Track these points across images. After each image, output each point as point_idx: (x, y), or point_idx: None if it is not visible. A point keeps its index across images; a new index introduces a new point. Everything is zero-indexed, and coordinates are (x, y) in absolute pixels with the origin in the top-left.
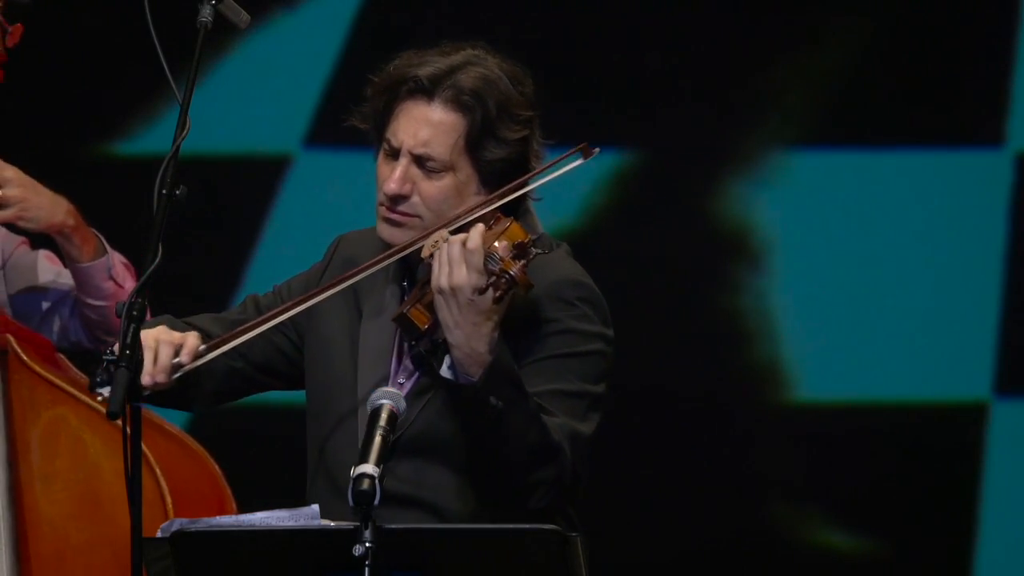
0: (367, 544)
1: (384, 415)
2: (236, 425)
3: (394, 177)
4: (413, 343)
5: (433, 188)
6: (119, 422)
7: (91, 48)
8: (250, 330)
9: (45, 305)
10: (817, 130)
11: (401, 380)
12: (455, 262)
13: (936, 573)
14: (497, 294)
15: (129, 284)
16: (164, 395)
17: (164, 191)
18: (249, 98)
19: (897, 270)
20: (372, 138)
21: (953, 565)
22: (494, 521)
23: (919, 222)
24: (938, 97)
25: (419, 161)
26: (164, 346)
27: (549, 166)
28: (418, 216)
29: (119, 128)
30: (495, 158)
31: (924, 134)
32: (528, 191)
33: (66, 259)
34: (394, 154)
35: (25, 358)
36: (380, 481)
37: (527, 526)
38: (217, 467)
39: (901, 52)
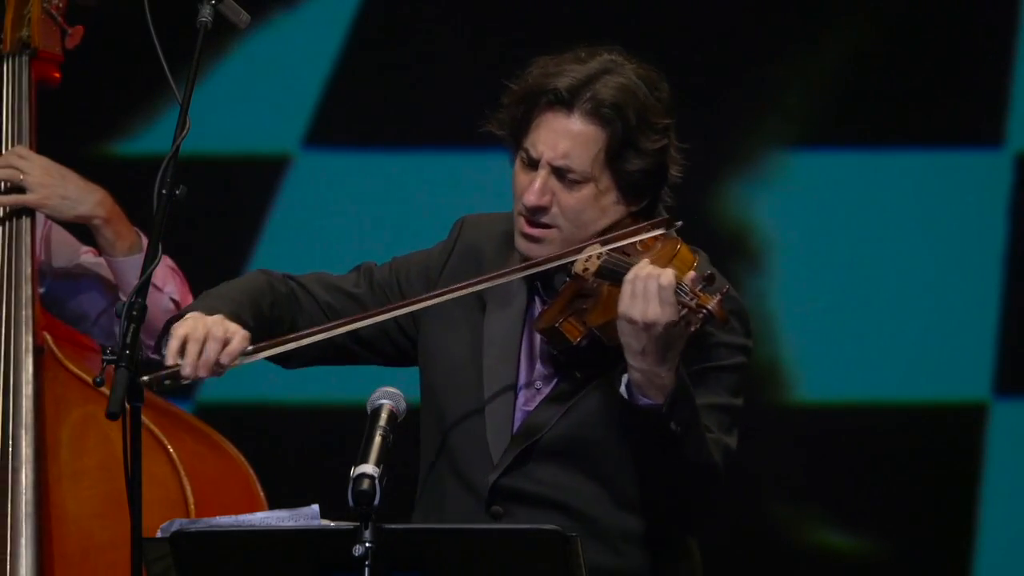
0: (367, 544)
1: (384, 415)
2: (236, 426)
3: (533, 189)
4: (557, 352)
5: (573, 199)
6: (128, 422)
7: (91, 48)
8: (336, 328)
9: (98, 309)
10: (817, 130)
11: (539, 384)
12: (650, 297)
13: (936, 573)
14: (693, 329)
15: (169, 288)
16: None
17: (164, 191)
18: (248, 98)
19: (897, 270)
20: (509, 145)
21: (953, 565)
22: (636, 530)
23: (919, 222)
24: (938, 97)
25: (559, 173)
26: (212, 343)
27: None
28: (557, 227)
29: (119, 128)
30: (635, 169)
31: (924, 134)
32: (661, 194)
33: (102, 252)
34: (533, 164)
35: (60, 355)
36: (380, 481)
37: (527, 526)
38: (251, 470)
39: (901, 52)
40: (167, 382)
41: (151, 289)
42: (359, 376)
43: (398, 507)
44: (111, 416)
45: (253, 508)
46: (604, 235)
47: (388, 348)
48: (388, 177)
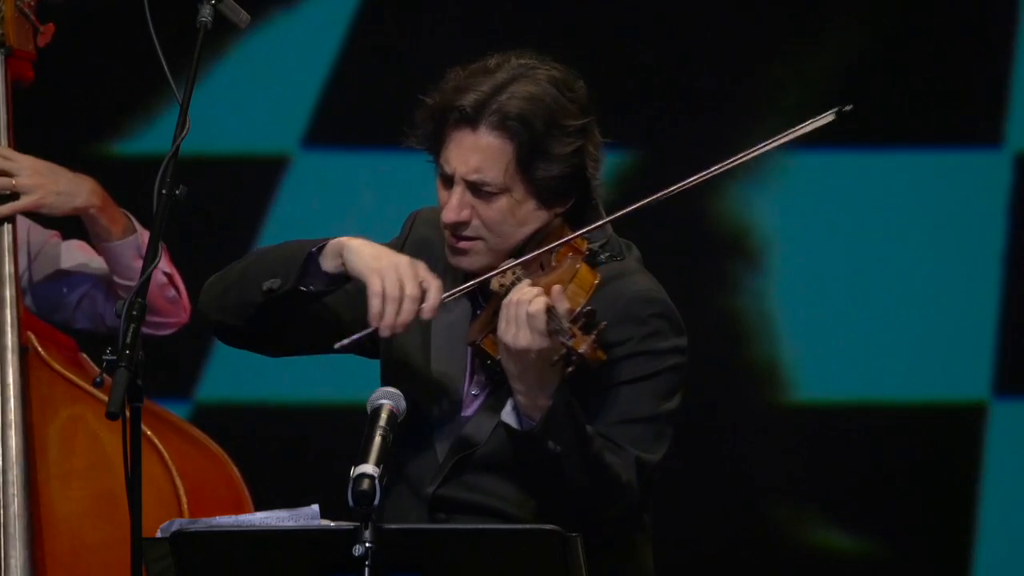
0: (367, 544)
1: (384, 415)
2: (236, 426)
3: (451, 205)
4: (483, 365)
5: (491, 211)
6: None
7: (91, 48)
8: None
9: (78, 293)
10: (816, 130)
11: (475, 391)
12: (520, 324)
13: (935, 573)
14: (569, 370)
15: (161, 264)
16: (243, 332)
17: (164, 191)
18: (247, 98)
19: (896, 270)
20: (430, 159)
21: (952, 565)
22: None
23: (918, 222)
24: (938, 97)
25: (473, 187)
26: (408, 303)
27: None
28: (481, 239)
29: (118, 128)
30: (549, 175)
31: (923, 134)
32: (593, 192)
33: (94, 239)
34: (448, 181)
35: (46, 356)
36: (380, 481)
37: (527, 526)
38: (236, 470)
39: (900, 52)
40: (368, 344)
41: (141, 263)
42: (359, 376)
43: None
44: (111, 416)
45: (240, 505)
46: (533, 242)
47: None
48: (387, 177)
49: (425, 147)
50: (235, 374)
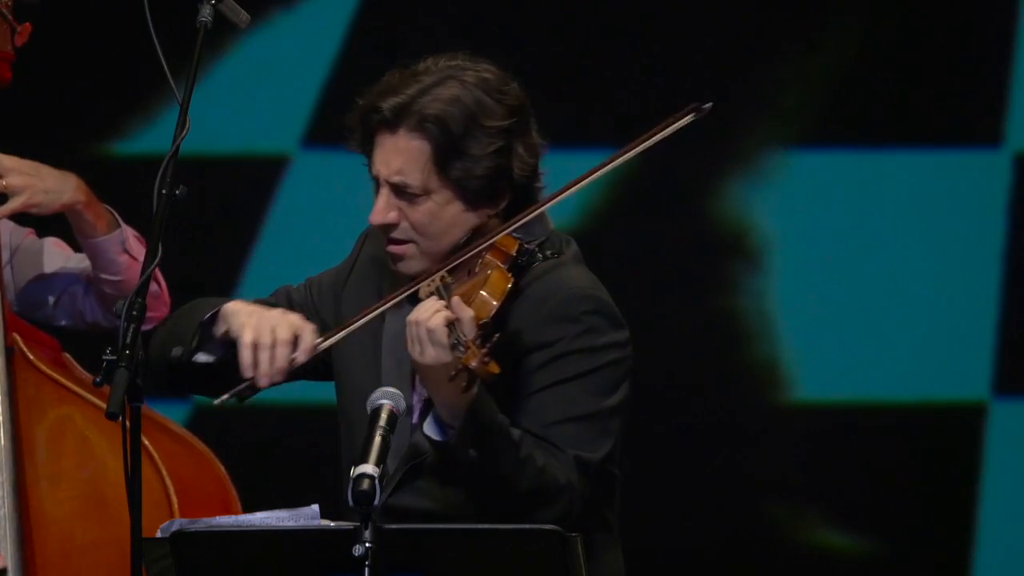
0: (367, 544)
1: (384, 415)
2: (236, 426)
3: (377, 208)
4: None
5: (417, 213)
6: (127, 422)
7: (91, 48)
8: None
9: (57, 290)
10: (816, 130)
11: (415, 399)
12: (423, 342)
13: (935, 573)
14: (463, 385)
15: (143, 259)
16: (195, 381)
17: (164, 191)
18: (247, 98)
19: (896, 270)
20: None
21: (952, 565)
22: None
23: (918, 222)
24: (937, 97)
25: (398, 190)
26: (281, 348)
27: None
28: (412, 241)
29: (118, 128)
30: (470, 175)
31: (923, 134)
32: (541, 194)
33: (79, 235)
34: (377, 184)
35: (31, 357)
36: (380, 481)
37: (527, 526)
38: (223, 468)
39: (900, 52)
40: (247, 394)
41: (130, 261)
42: None
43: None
44: (111, 417)
45: (228, 505)
46: (468, 245)
47: (319, 365)
48: None
49: (360, 151)
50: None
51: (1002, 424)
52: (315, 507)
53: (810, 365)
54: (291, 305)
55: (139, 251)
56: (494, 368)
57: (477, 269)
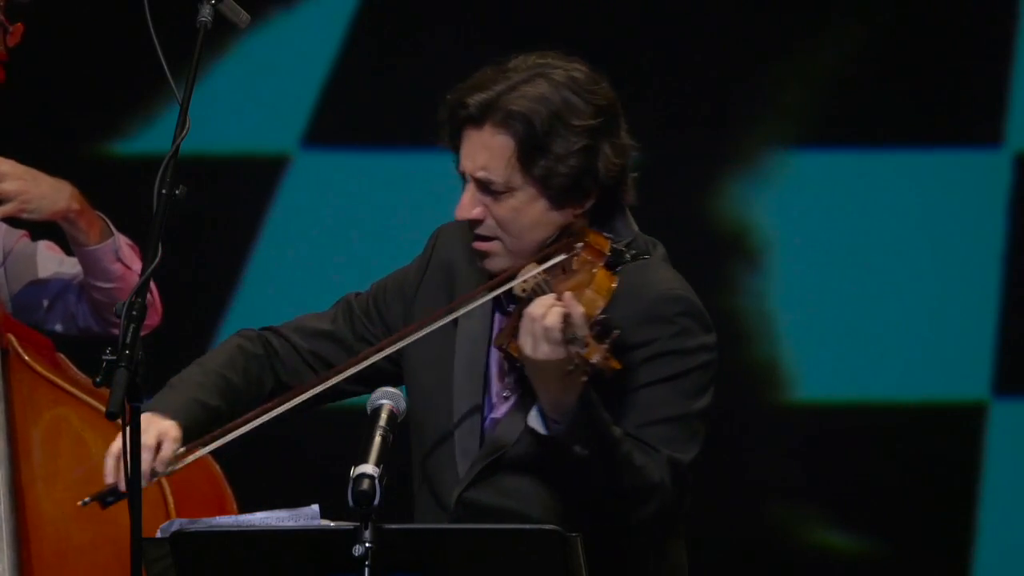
0: (367, 544)
1: (384, 415)
2: None
3: (462, 203)
4: (511, 368)
5: (501, 209)
6: (120, 421)
7: (91, 48)
8: (292, 398)
9: (50, 295)
10: (816, 130)
11: (505, 393)
12: (538, 338)
13: (935, 573)
14: (583, 379)
15: (137, 265)
16: None
17: (164, 191)
18: (247, 98)
19: (896, 270)
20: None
21: (952, 565)
22: (600, 536)
23: (918, 222)
24: (937, 97)
25: (483, 185)
26: (144, 453)
27: None
28: (497, 238)
29: (118, 128)
30: (554, 173)
31: (923, 134)
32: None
33: (72, 243)
34: (464, 180)
35: (26, 358)
36: (380, 481)
37: (527, 526)
38: (218, 468)
39: (900, 52)
40: (110, 499)
41: (123, 270)
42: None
43: (398, 507)
44: (111, 417)
45: (224, 505)
46: (555, 244)
47: (377, 376)
48: (387, 177)
49: (448, 146)
50: None
51: (1002, 424)
52: (315, 507)
53: (810, 365)
54: (352, 317)
55: (132, 259)
56: (615, 364)
57: (575, 267)
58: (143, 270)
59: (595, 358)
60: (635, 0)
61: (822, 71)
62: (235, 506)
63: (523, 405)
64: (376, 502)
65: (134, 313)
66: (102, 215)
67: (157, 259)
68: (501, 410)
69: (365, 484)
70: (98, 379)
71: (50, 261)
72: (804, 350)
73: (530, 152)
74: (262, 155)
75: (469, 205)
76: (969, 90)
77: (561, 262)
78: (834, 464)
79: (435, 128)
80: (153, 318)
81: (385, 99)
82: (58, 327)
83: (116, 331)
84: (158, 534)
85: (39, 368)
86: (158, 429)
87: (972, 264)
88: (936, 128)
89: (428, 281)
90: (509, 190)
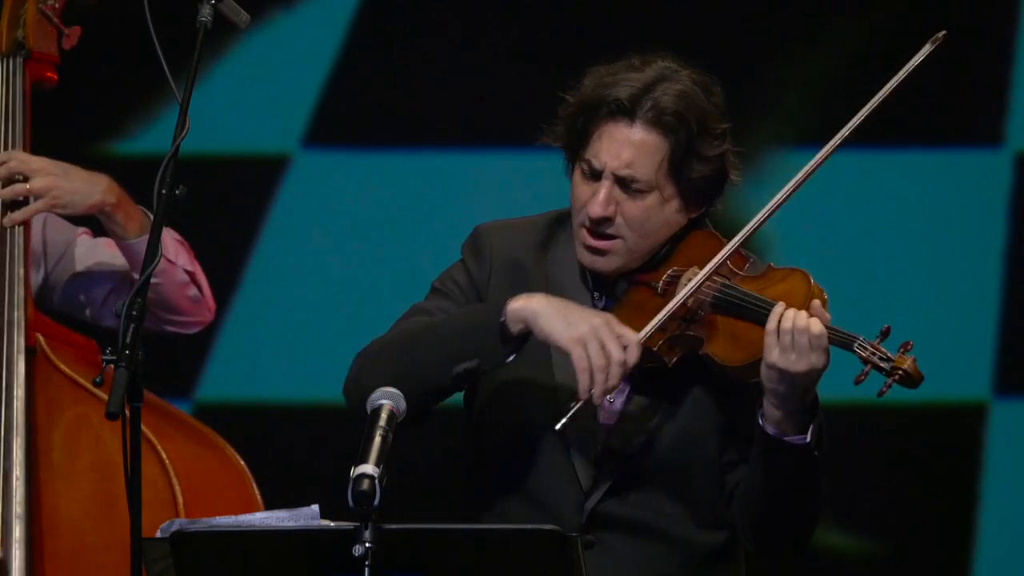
0: (367, 544)
1: (384, 415)
2: (237, 426)
3: (598, 200)
4: (637, 370)
5: (637, 208)
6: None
7: (91, 48)
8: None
9: (104, 290)
10: (816, 130)
11: (611, 397)
12: (802, 350)
13: (935, 573)
14: (884, 390)
15: (182, 260)
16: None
17: (164, 191)
18: (247, 98)
19: (896, 270)
20: (565, 157)
21: (952, 565)
22: (721, 547)
23: (919, 222)
24: (938, 97)
25: (622, 182)
26: (615, 368)
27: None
28: (621, 238)
29: (118, 128)
30: (698, 176)
31: (924, 134)
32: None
33: (112, 238)
34: (595, 175)
35: (53, 357)
36: (380, 481)
37: (527, 526)
38: (248, 471)
39: (900, 52)
40: (579, 417)
41: (165, 264)
42: None
43: (398, 507)
44: (110, 416)
45: (249, 509)
46: (668, 246)
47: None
48: (388, 177)
49: (564, 143)
50: (235, 374)
51: (1002, 424)
52: (315, 507)
53: None
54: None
55: (177, 253)
56: (922, 375)
57: (743, 272)
58: (143, 269)
59: (906, 365)
60: (634, 2)
61: (821, 71)
62: (261, 505)
63: (637, 410)
64: (376, 502)
65: (134, 313)
66: (145, 209)
67: (157, 259)
68: (613, 414)
69: (365, 484)
70: (97, 378)
71: (103, 258)
72: None
73: (682, 154)
74: (262, 155)
75: (605, 202)
76: (970, 90)
77: (718, 267)
78: (834, 464)
79: (435, 129)
80: (205, 315)
81: (385, 99)
82: (111, 322)
83: (170, 328)
84: (158, 534)
85: (64, 367)
86: (619, 336)
87: (973, 264)
88: (937, 128)
89: (499, 281)
90: (650, 189)
